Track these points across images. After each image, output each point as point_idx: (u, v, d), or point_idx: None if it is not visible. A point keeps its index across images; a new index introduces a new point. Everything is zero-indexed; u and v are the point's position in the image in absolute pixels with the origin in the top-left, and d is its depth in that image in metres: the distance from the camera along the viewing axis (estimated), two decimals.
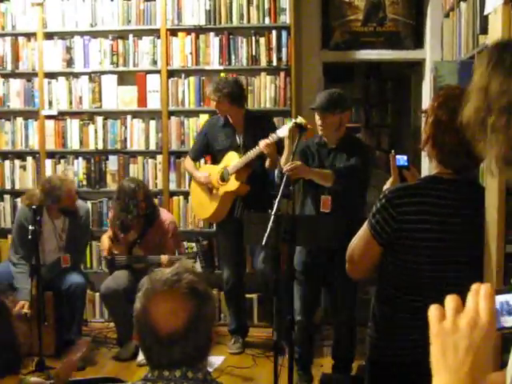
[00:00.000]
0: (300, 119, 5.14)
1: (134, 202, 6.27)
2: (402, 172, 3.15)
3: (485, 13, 3.37)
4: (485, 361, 1.24)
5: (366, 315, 3.23)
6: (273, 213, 4.32)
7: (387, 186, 3.14)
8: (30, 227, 5.79)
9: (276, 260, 4.68)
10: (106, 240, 6.60)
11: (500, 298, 1.31)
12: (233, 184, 6.23)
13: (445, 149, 2.85)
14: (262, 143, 5.81)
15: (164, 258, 6.21)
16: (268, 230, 4.24)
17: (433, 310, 1.29)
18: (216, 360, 6.36)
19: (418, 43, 7.28)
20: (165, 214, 6.64)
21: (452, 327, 1.25)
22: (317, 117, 5.28)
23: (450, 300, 1.29)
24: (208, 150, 6.52)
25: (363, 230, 3.01)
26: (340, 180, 5.10)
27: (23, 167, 7.46)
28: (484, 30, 4.10)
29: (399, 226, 2.88)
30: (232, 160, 6.22)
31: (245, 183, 6.19)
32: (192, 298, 2.22)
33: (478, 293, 1.28)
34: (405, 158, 3.17)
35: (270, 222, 4.27)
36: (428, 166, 6.17)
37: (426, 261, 2.90)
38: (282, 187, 4.49)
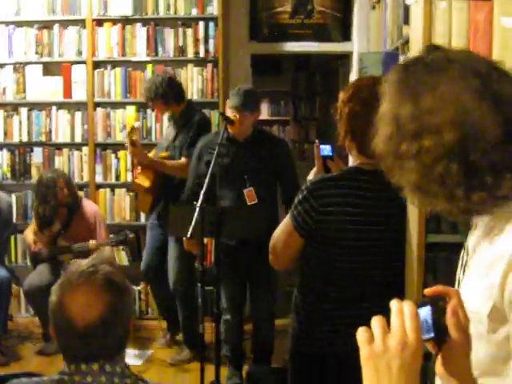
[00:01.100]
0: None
1: (53, 192, 6.17)
2: (326, 162, 3.15)
3: (406, 1, 3.41)
4: (416, 378, 1.27)
5: (289, 307, 3.23)
6: (198, 204, 4.27)
7: (311, 176, 3.14)
8: None
9: (201, 254, 4.65)
10: (29, 234, 6.48)
11: (420, 316, 1.33)
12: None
13: (363, 139, 2.84)
14: None
15: (92, 243, 6.16)
16: (193, 222, 4.20)
17: (361, 333, 1.31)
18: (145, 353, 6.32)
19: (346, 36, 7.31)
20: (89, 205, 6.57)
21: (383, 348, 1.28)
22: (232, 113, 5.08)
23: (376, 321, 1.31)
24: None
25: (285, 222, 3.01)
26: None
27: None
28: (407, 21, 4.13)
29: (320, 217, 2.88)
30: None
31: (143, 182, 6.05)
32: (109, 290, 2.18)
33: (402, 312, 1.30)
34: (329, 147, 3.17)
35: (195, 214, 4.23)
36: None
37: (348, 252, 2.91)
38: (206, 180, 4.43)
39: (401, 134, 1.59)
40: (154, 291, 6.65)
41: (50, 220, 6.27)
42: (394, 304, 1.32)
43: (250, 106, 5.16)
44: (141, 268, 6.45)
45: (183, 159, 5.95)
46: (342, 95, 3.02)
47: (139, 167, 6.11)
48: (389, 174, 1.67)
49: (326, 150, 3.15)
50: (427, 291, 1.42)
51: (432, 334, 1.34)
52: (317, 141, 3.19)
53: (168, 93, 6.06)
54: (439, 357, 1.39)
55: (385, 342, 1.28)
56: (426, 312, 1.34)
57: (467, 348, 1.38)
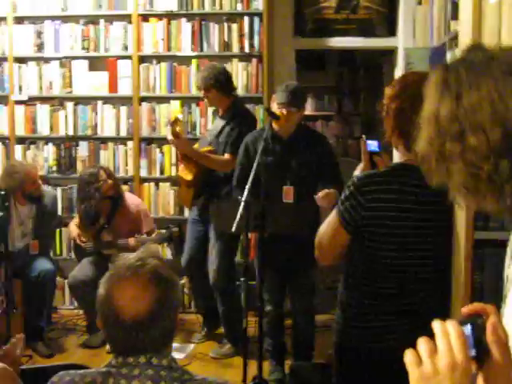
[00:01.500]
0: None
1: (94, 187, 6.18)
2: (372, 158, 3.12)
3: None
4: None
5: (331, 303, 3.22)
6: (243, 199, 4.28)
7: (357, 171, 3.12)
8: None
9: (246, 247, 4.67)
10: (73, 227, 6.52)
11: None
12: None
13: (411, 137, 2.81)
14: None
15: (132, 240, 6.13)
16: (238, 216, 4.20)
17: (408, 355, 1.31)
18: (187, 347, 6.35)
19: (391, 31, 7.27)
20: (132, 198, 6.59)
21: (432, 370, 1.27)
22: (278, 109, 5.09)
23: (423, 342, 1.30)
24: None
25: (332, 217, 2.98)
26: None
27: None
28: (455, 17, 4.09)
29: (367, 213, 2.86)
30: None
31: (185, 175, 6.05)
32: (156, 284, 2.19)
33: (447, 332, 1.29)
34: (376, 143, 3.13)
35: (240, 208, 4.23)
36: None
37: (393, 248, 2.89)
38: (252, 175, 4.44)
39: (443, 133, 1.58)
40: (194, 285, 6.67)
41: (93, 218, 6.31)
42: (437, 325, 1.32)
43: (297, 102, 5.17)
44: (182, 262, 6.46)
45: (227, 155, 5.92)
46: (388, 91, 2.99)
47: (183, 161, 6.12)
48: (430, 176, 1.65)
49: (373, 145, 3.12)
50: (465, 309, 1.40)
51: (474, 353, 1.33)
52: (364, 136, 3.16)
53: (225, 83, 6.05)
54: (480, 375, 1.37)
55: (434, 363, 1.27)
56: (467, 330, 1.33)
57: (507, 366, 1.36)
